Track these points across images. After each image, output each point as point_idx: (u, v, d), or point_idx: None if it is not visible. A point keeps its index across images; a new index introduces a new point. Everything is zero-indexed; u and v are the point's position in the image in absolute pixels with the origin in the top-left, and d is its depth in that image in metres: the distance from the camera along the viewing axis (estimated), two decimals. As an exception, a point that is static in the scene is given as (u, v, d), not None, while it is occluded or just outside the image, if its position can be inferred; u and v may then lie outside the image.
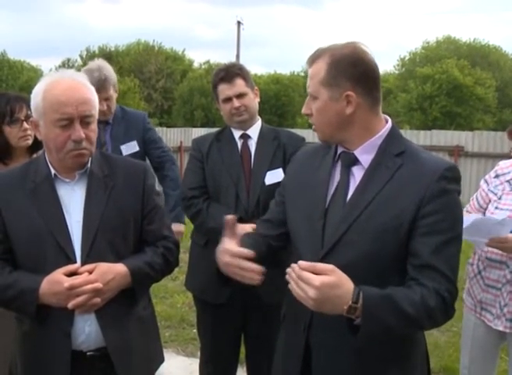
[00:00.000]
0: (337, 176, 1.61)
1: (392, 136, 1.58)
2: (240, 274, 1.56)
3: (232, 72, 2.59)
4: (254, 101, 2.66)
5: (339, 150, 1.63)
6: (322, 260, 1.49)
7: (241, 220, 2.42)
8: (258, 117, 2.73)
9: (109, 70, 3.28)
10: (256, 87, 2.69)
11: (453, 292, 1.47)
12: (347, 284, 1.35)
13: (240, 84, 2.58)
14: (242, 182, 2.58)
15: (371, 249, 1.47)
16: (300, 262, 1.36)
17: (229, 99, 2.59)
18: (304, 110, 1.62)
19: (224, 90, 2.59)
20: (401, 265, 1.49)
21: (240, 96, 2.58)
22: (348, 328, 1.39)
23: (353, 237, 1.50)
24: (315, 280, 1.31)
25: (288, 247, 1.75)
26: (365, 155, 1.56)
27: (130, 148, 3.33)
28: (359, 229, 1.49)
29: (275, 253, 1.77)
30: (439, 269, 1.44)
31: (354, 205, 1.52)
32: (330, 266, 1.35)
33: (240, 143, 2.67)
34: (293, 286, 1.37)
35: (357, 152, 1.57)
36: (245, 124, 2.65)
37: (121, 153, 3.27)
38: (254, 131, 2.68)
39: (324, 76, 1.52)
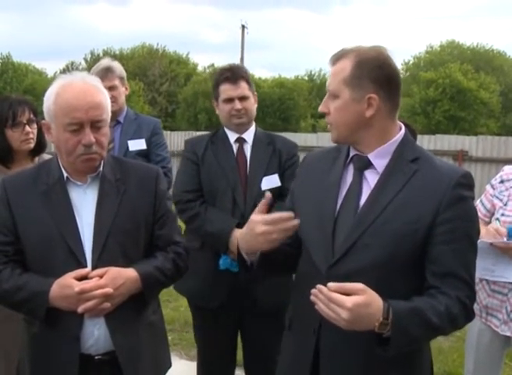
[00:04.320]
0: (349, 179, 1.60)
1: (406, 142, 1.58)
2: (275, 237, 1.49)
3: (237, 74, 2.59)
4: (253, 105, 2.67)
5: (352, 153, 1.61)
6: (335, 265, 1.50)
7: (238, 225, 2.42)
8: (253, 121, 2.72)
9: (117, 64, 3.38)
10: (255, 93, 2.69)
11: (473, 297, 1.51)
12: (377, 301, 1.36)
13: (244, 87, 2.59)
14: (239, 187, 2.56)
15: (386, 254, 1.47)
16: (330, 284, 1.35)
17: (231, 100, 2.58)
18: (321, 108, 1.59)
19: (227, 90, 2.58)
20: (412, 269, 1.50)
21: (243, 99, 2.58)
22: (376, 341, 1.39)
23: (368, 242, 1.48)
24: (347, 302, 1.31)
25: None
26: (379, 160, 1.55)
27: (138, 144, 3.34)
28: (374, 233, 1.48)
29: (288, 259, 1.72)
30: (460, 276, 1.47)
31: (370, 209, 1.51)
32: (360, 285, 1.35)
33: (235, 147, 2.65)
34: (321, 307, 1.36)
35: (371, 156, 1.56)
36: (242, 127, 2.64)
37: (128, 148, 3.30)
38: (249, 135, 2.67)
39: (348, 76, 1.50)
